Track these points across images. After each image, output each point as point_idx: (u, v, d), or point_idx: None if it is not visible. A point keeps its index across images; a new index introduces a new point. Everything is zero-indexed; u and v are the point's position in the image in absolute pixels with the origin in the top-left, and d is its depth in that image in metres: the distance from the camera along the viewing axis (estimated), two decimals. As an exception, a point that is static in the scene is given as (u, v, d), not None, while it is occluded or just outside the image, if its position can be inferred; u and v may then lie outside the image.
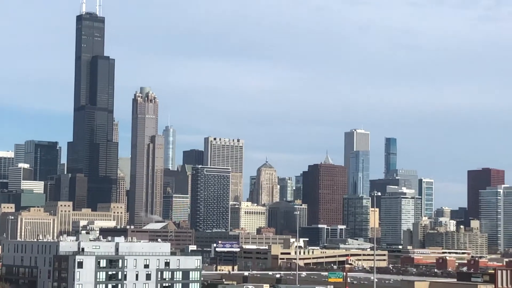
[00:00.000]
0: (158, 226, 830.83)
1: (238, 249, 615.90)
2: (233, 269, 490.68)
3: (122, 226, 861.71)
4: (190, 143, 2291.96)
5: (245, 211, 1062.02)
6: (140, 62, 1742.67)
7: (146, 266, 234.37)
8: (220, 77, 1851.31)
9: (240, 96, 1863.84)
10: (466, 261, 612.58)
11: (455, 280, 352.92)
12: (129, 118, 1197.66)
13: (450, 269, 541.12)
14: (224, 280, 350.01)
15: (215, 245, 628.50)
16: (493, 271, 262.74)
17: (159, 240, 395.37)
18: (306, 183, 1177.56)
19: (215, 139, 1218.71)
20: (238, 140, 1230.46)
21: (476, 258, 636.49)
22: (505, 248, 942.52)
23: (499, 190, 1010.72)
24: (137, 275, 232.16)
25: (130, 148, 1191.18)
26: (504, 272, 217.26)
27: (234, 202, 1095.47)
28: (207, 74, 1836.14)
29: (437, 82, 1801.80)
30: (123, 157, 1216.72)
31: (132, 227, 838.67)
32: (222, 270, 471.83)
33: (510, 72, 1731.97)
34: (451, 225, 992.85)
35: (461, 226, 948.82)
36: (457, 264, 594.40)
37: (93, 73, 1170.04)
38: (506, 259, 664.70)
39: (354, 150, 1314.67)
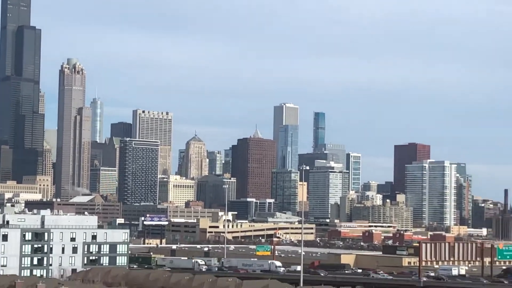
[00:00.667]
0: (85, 199, 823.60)
1: (166, 223, 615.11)
2: (161, 243, 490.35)
3: (48, 199, 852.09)
4: (118, 116, 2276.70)
5: (173, 185, 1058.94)
6: (67, 32, 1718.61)
7: (73, 239, 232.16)
8: (149, 50, 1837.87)
9: (169, 69, 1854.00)
10: (391, 235, 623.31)
11: (381, 253, 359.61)
12: (56, 90, 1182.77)
13: (376, 242, 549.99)
14: (152, 253, 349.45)
15: (143, 218, 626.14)
16: (417, 245, 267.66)
17: (86, 213, 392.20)
18: (235, 157, 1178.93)
19: (143, 112, 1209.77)
20: (167, 113, 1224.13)
21: (401, 232, 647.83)
22: (429, 221, 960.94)
23: (424, 165, 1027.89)
24: (63, 248, 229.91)
25: (57, 120, 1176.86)
26: (428, 245, 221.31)
27: (162, 176, 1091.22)
28: (136, 46, 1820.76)
29: (365, 57, 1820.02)
30: (50, 129, 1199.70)
31: (59, 200, 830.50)
32: (150, 244, 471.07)
33: (436, 47, 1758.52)
34: (378, 199, 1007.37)
35: (387, 200, 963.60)
36: (382, 237, 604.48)
37: (19, 43, 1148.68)
38: (431, 233, 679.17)
39: (283, 124, 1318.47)
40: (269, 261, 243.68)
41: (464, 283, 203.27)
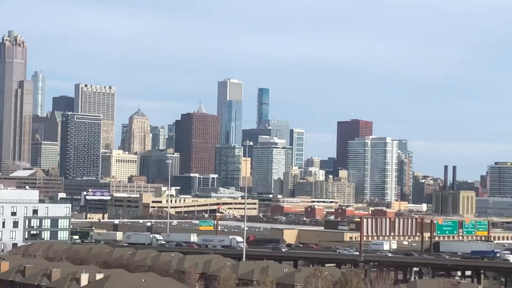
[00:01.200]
0: (26, 173, 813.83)
1: (109, 197, 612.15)
2: (103, 217, 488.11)
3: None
4: (60, 90, 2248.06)
5: (116, 159, 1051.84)
6: (7, 4, 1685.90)
7: (14, 213, 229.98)
8: (92, 23, 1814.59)
9: (112, 43, 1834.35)
10: (333, 210, 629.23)
11: (323, 228, 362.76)
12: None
13: (318, 218, 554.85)
14: (94, 228, 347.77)
15: (85, 193, 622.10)
16: (359, 220, 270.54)
17: (27, 187, 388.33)
18: (178, 132, 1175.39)
19: (86, 85, 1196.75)
20: (110, 87, 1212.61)
21: (343, 207, 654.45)
22: (371, 197, 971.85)
23: (366, 141, 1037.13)
24: (4, 223, 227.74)
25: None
26: (370, 220, 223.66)
27: (105, 150, 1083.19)
28: (78, 19, 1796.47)
29: (310, 34, 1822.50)
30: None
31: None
32: (92, 218, 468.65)
33: (379, 24, 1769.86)
34: (320, 175, 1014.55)
35: (330, 176, 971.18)
36: (325, 212, 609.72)
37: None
38: (372, 208, 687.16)
39: (227, 99, 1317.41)
40: (230, 237, 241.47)
41: (398, 257, 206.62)
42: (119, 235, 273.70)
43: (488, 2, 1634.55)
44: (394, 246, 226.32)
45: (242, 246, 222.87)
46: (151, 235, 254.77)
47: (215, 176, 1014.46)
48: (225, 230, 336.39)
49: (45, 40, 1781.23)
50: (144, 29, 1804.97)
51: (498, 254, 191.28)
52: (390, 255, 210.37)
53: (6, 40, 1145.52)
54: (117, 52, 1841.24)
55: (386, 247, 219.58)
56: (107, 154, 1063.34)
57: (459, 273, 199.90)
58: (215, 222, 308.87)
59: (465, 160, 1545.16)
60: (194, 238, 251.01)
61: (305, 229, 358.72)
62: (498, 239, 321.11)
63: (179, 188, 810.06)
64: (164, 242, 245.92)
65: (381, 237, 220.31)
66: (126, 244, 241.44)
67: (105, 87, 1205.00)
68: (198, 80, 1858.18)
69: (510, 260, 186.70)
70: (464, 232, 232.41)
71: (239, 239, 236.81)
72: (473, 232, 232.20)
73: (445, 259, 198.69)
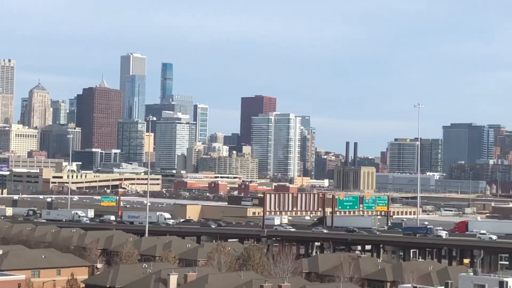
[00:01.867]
0: None
1: (8, 173, 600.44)
2: (2, 193, 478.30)
3: None
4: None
5: (15, 134, 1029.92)
6: None
7: None
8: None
9: (12, 15, 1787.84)
10: (237, 186, 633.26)
11: (226, 203, 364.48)
12: None
13: (221, 193, 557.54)
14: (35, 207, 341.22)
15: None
16: (262, 195, 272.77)
17: None
18: (80, 107, 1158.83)
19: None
20: (9, 60, 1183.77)
21: (247, 183, 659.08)
22: (274, 173, 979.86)
23: (270, 117, 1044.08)
24: None
25: None
26: (272, 196, 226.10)
27: (4, 125, 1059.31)
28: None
29: (213, 9, 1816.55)
30: None
31: None
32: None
33: (281, 1, 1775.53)
34: (224, 151, 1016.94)
35: (234, 152, 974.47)
36: (228, 188, 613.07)
37: None
38: (275, 184, 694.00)
39: (130, 74, 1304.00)
40: (158, 213, 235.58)
41: (300, 232, 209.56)
42: (9, 211, 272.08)
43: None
44: (285, 221, 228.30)
45: (170, 223, 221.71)
46: (72, 212, 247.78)
47: (118, 151, 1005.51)
48: (127, 206, 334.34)
49: None
50: (46, 2, 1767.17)
51: (430, 231, 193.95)
52: (292, 230, 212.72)
53: None
54: (18, 25, 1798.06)
55: (277, 221, 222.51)
56: (6, 128, 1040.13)
57: (359, 247, 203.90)
58: (117, 197, 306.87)
59: (366, 137, 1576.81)
60: (85, 214, 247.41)
61: (208, 205, 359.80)
62: (397, 214, 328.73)
63: (80, 163, 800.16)
64: (87, 219, 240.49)
65: (283, 212, 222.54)
66: (45, 221, 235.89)
67: (4, 60, 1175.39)
68: (101, 54, 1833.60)
69: (443, 236, 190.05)
70: (365, 207, 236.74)
71: (167, 215, 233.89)
72: (373, 207, 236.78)
73: (345, 234, 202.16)
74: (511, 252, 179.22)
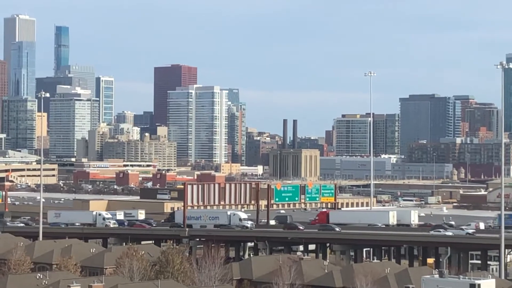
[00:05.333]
0: None
1: None
2: None
3: None
4: None
5: None
6: None
7: None
8: None
9: None
10: (151, 175, 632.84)
11: (138, 197, 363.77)
12: None
13: (132, 185, 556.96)
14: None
15: None
16: (182, 187, 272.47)
17: None
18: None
19: None
20: None
21: (163, 172, 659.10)
22: (196, 159, 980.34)
23: (190, 91, 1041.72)
24: None
25: None
26: (195, 187, 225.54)
27: None
28: None
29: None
30: None
31: None
32: None
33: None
34: (135, 133, 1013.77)
35: (146, 134, 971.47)
36: (140, 178, 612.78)
37: None
38: (198, 172, 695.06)
39: (17, 41, 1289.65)
40: (229, 212, 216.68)
41: (228, 230, 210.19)
42: None
43: None
44: (243, 215, 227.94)
45: (248, 225, 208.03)
46: (94, 213, 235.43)
47: (3, 136, 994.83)
48: (17, 203, 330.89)
49: None
50: None
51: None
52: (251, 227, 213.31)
53: None
54: None
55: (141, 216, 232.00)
56: None
57: (301, 247, 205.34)
58: (3, 193, 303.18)
59: (308, 113, 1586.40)
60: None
61: (116, 200, 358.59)
62: (347, 205, 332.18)
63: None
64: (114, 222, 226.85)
65: (209, 207, 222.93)
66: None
67: None
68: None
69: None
70: (307, 199, 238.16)
71: (243, 215, 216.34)
72: (317, 198, 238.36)
73: (283, 232, 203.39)
74: (483, 249, 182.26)
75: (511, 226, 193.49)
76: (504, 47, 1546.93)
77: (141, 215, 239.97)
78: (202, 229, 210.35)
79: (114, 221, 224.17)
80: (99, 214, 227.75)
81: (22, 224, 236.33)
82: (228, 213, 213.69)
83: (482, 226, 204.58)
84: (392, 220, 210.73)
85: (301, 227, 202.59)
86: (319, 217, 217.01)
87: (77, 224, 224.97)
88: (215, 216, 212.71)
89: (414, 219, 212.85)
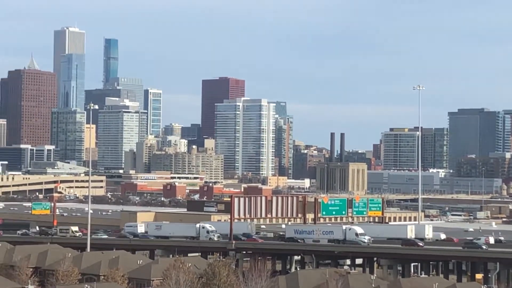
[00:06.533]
0: None
1: None
2: None
3: None
4: None
5: None
6: None
7: None
8: None
9: None
10: (198, 188, 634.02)
11: (185, 210, 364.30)
12: None
13: (179, 197, 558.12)
14: None
15: None
16: (229, 199, 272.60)
17: None
18: (5, 93, 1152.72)
19: None
20: None
21: (210, 184, 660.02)
22: (243, 172, 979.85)
23: (238, 103, 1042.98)
24: None
25: None
26: (242, 200, 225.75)
27: None
28: None
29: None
30: None
31: None
32: None
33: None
34: (182, 145, 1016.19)
35: (193, 147, 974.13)
36: (187, 191, 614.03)
37: None
38: (245, 185, 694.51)
39: (66, 53, 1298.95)
40: (344, 227, 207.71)
41: (276, 243, 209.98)
42: None
43: None
44: (252, 228, 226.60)
45: (365, 240, 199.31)
46: (197, 225, 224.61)
47: (52, 147, 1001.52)
48: (65, 214, 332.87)
49: None
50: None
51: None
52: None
53: None
54: None
55: (140, 229, 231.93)
56: None
57: (348, 261, 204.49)
58: (52, 204, 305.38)
59: (355, 126, 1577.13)
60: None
61: (163, 211, 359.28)
62: (394, 220, 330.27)
63: (6, 162, 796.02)
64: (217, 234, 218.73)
65: (255, 220, 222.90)
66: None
67: None
68: (30, 29, 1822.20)
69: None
70: (354, 213, 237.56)
71: (359, 230, 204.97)
72: (364, 212, 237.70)
73: (330, 245, 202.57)
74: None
75: None
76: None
77: (141, 228, 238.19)
78: (249, 242, 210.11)
79: (219, 235, 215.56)
80: (203, 227, 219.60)
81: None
82: (344, 227, 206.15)
83: (492, 240, 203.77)
84: (410, 234, 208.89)
85: (420, 244, 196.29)
86: None
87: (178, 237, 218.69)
88: (329, 231, 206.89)
89: (428, 233, 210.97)
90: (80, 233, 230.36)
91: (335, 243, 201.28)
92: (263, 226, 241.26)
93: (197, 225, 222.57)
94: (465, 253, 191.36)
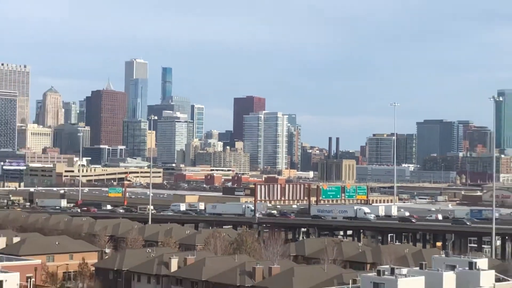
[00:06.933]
0: None
1: (25, 167, 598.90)
2: (19, 186, 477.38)
3: None
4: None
5: (31, 132, 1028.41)
6: None
7: None
8: (5, 5, 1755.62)
9: (26, 24, 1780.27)
10: (230, 177, 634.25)
11: (221, 193, 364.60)
12: None
13: (217, 184, 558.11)
14: (11, 195, 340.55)
15: (2, 163, 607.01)
16: (253, 186, 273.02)
17: None
18: (89, 107, 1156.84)
19: (2, 64, 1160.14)
20: (25, 66, 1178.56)
21: (239, 175, 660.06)
22: (264, 166, 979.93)
23: (260, 115, 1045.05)
24: None
25: None
26: (263, 186, 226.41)
27: (20, 124, 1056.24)
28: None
29: (208, 15, 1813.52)
30: None
31: None
32: (9, 187, 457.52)
33: (266, 9, 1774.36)
34: (219, 146, 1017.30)
35: (227, 147, 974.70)
36: (223, 180, 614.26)
37: None
38: (265, 175, 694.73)
39: (134, 78, 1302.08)
40: (355, 207, 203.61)
41: (288, 219, 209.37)
42: (63, 202, 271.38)
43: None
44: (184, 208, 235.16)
45: (371, 218, 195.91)
46: (243, 205, 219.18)
47: (123, 147, 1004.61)
48: (133, 196, 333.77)
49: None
50: (55, 10, 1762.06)
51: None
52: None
53: None
54: (32, 33, 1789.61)
55: (183, 208, 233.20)
56: (23, 127, 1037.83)
57: (341, 232, 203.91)
58: (123, 189, 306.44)
59: (347, 132, 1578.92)
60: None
61: (205, 195, 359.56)
62: (376, 202, 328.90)
63: (89, 158, 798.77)
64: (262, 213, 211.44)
65: (273, 201, 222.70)
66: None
67: (20, 66, 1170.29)
68: (107, 59, 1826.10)
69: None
70: (346, 196, 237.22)
71: (366, 209, 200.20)
72: (354, 196, 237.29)
73: (329, 220, 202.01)
74: (479, 235, 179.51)
75: (478, 219, 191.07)
76: (497, 84, 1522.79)
77: (201, 206, 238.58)
78: (268, 217, 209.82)
79: (260, 214, 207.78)
80: (247, 207, 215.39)
81: (122, 211, 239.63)
82: (355, 207, 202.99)
83: (440, 217, 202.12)
84: (381, 212, 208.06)
85: (413, 220, 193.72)
86: None
87: (228, 214, 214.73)
88: (344, 210, 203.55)
89: (394, 212, 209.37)
90: (154, 211, 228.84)
91: (348, 219, 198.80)
92: (278, 206, 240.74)
93: (243, 205, 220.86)
94: (428, 227, 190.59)
